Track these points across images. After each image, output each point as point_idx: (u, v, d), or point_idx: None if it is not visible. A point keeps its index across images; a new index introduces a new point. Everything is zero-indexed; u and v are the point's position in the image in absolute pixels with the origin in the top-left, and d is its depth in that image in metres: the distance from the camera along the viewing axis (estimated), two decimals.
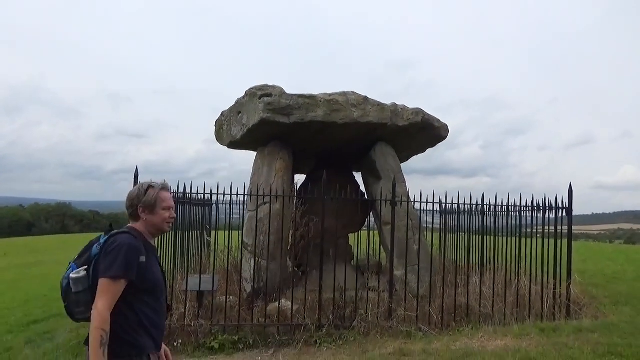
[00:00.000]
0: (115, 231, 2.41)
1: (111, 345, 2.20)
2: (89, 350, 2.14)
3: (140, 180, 6.11)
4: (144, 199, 2.49)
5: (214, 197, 6.49)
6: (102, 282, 2.22)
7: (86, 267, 2.28)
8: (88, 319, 2.21)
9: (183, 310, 5.94)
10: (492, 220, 6.79)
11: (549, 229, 6.56)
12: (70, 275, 2.24)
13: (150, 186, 2.55)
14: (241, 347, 5.60)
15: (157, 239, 4.43)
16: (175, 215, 2.68)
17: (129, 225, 2.52)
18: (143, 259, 2.37)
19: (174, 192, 6.36)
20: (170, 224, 2.61)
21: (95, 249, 2.34)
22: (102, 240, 2.35)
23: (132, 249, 2.33)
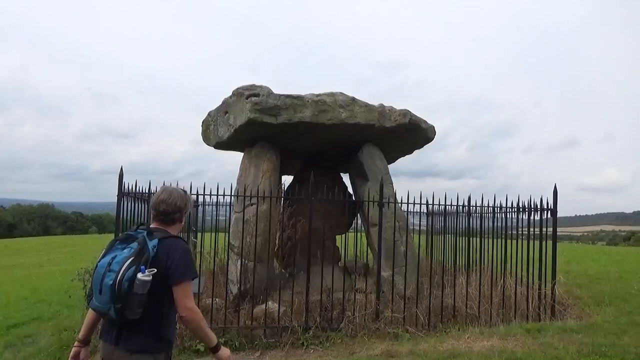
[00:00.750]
0: (164, 235, 2.47)
1: (148, 341, 2.37)
2: (155, 358, 2.37)
3: (126, 181, 6.01)
4: (189, 205, 2.64)
5: (200, 198, 6.42)
6: (185, 285, 2.38)
7: (154, 270, 2.31)
8: (132, 321, 2.31)
9: None
10: (479, 221, 6.82)
11: (534, 230, 6.61)
12: (141, 277, 2.25)
13: (187, 193, 2.67)
14: None
15: None
16: None
17: (159, 227, 2.55)
18: None
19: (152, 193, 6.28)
20: None
21: (152, 251, 2.36)
22: (153, 242, 2.38)
23: (189, 252, 2.51)
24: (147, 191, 6.16)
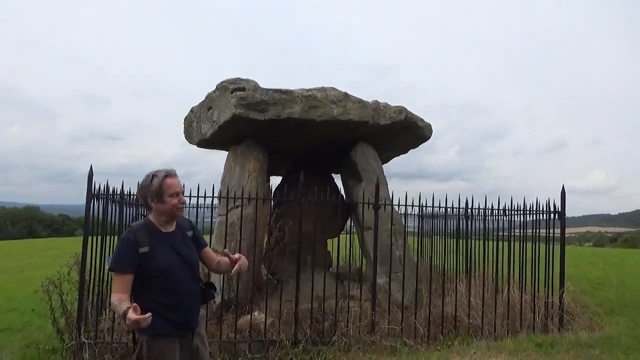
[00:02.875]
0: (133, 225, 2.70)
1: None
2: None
3: (96, 181, 5.50)
4: (149, 189, 2.63)
5: None
6: (114, 274, 2.55)
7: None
8: None
9: None
10: (481, 224, 6.39)
11: (538, 234, 6.18)
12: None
13: (154, 175, 2.66)
14: None
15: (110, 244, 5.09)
16: (185, 199, 2.78)
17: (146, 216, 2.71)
18: (145, 249, 2.55)
19: (133, 195, 5.75)
20: (182, 209, 2.74)
21: None
22: None
23: (128, 244, 2.56)
24: (119, 192, 5.62)
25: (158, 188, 2.61)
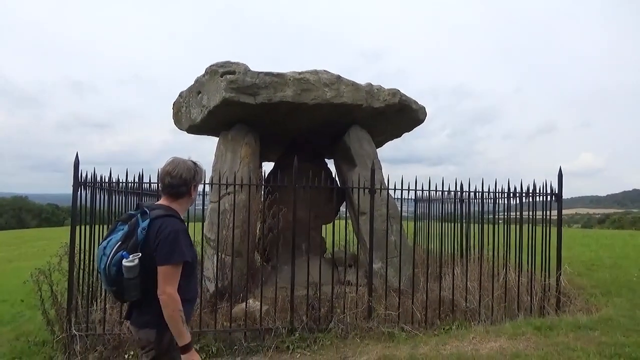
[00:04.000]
0: (157, 213, 2.39)
1: (151, 317, 2.37)
2: (159, 332, 2.37)
3: (84, 169, 5.33)
4: (198, 177, 2.54)
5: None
6: (167, 269, 2.30)
7: (139, 254, 2.29)
8: (137, 300, 2.37)
9: None
10: (478, 208, 6.31)
11: (534, 216, 6.11)
12: (125, 263, 2.25)
13: (196, 164, 2.55)
14: (204, 357, 4.88)
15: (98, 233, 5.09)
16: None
17: (161, 204, 2.50)
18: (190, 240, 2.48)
19: (121, 182, 5.58)
20: None
21: (141, 234, 2.32)
22: (143, 225, 2.34)
23: (186, 234, 2.43)
24: (107, 180, 5.44)
25: (200, 179, 2.55)
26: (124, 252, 2.27)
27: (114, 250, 2.30)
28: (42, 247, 19.61)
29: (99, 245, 2.42)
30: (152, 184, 5.82)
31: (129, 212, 2.52)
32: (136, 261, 2.26)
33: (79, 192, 5.19)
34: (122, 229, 2.38)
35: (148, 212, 2.38)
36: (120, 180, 5.57)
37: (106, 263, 2.30)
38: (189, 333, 2.36)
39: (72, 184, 5.18)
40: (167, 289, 2.28)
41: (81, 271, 5.32)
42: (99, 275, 2.54)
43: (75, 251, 5.28)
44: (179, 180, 2.44)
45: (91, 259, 5.30)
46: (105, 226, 5.40)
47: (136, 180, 5.61)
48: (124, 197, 5.73)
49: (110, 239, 2.37)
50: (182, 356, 2.34)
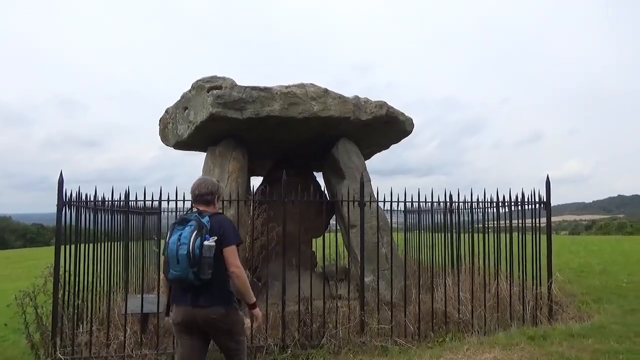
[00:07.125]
0: (210, 213, 3.10)
1: (220, 295, 3.00)
2: (227, 308, 3.01)
3: (70, 188, 5.23)
4: (220, 190, 3.35)
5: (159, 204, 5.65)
6: (233, 248, 3.02)
7: (215, 237, 2.94)
8: (205, 284, 2.92)
9: (122, 338, 5.05)
10: (468, 218, 6.30)
11: (524, 225, 6.11)
12: (206, 243, 2.88)
13: (218, 182, 3.57)
14: None
15: (94, 252, 5.38)
16: None
17: (204, 209, 3.14)
18: None
19: (107, 200, 5.48)
20: None
21: (208, 225, 2.98)
22: (204, 220, 2.98)
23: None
24: (92, 199, 5.33)
25: (221, 192, 3.54)
26: (207, 235, 2.90)
27: (192, 238, 2.87)
28: (29, 267, 19.13)
29: (166, 243, 2.99)
30: (138, 202, 5.72)
31: (182, 216, 3.18)
32: (213, 242, 2.89)
33: (63, 212, 5.08)
34: (184, 227, 2.95)
35: (201, 213, 3.06)
36: (106, 199, 5.47)
37: (188, 249, 2.84)
38: (253, 294, 3.10)
39: (56, 203, 5.08)
40: (237, 263, 2.98)
41: (66, 292, 5.18)
42: (167, 265, 2.92)
43: (60, 272, 5.14)
44: (207, 190, 3.16)
45: (77, 280, 5.16)
46: (91, 245, 5.29)
47: (122, 198, 5.52)
48: (110, 216, 5.61)
49: (181, 234, 2.92)
50: (251, 311, 3.13)
